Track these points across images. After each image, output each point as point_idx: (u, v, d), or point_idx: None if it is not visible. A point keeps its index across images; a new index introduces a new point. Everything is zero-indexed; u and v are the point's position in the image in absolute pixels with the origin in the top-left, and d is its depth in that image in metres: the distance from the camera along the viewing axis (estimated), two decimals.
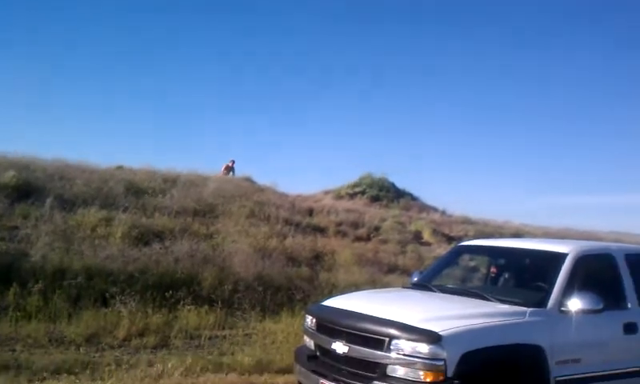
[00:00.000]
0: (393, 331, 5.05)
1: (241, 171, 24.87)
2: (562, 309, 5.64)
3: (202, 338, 9.85)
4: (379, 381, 5.03)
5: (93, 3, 56.18)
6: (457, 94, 69.95)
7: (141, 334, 9.64)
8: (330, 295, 8.06)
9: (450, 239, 21.31)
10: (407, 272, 14.58)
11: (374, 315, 5.40)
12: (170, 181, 18.43)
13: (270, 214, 17.82)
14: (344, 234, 19.07)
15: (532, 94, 70.16)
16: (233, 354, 9.06)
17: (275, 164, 55.45)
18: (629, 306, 6.24)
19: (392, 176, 29.04)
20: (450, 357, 4.81)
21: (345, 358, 5.41)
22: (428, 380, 4.82)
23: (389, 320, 5.23)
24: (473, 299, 6.04)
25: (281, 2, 62.92)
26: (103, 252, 12.02)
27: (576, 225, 28.88)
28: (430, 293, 6.58)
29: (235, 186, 20.44)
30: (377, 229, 20.58)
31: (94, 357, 8.57)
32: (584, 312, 5.59)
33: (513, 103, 69.03)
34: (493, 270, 7.49)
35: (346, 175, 42.15)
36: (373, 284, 13.43)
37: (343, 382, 5.30)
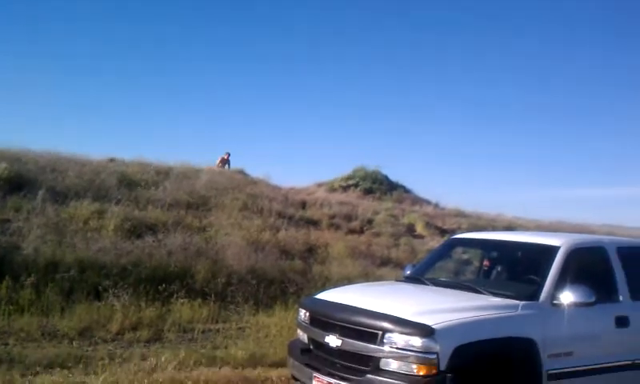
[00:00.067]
0: (386, 325, 5.06)
1: (234, 164, 24.91)
2: (555, 302, 5.67)
3: (196, 332, 9.84)
4: (372, 374, 5.04)
5: None
6: (450, 87, 70.10)
7: (134, 328, 9.61)
8: (324, 288, 8.05)
9: (442, 232, 21.36)
10: (400, 265, 14.64)
11: (368, 309, 5.41)
12: (163, 173, 18.39)
13: (263, 206, 17.81)
14: (337, 227, 19.08)
15: (524, 86, 70.37)
16: (226, 347, 9.06)
17: (268, 156, 55.48)
18: (620, 298, 6.27)
19: (385, 169, 29.12)
20: (443, 350, 4.83)
21: (338, 352, 5.42)
22: (421, 373, 4.83)
23: (382, 313, 5.24)
24: (465, 292, 6.06)
25: None
26: (96, 245, 11.98)
27: (569, 218, 29.06)
28: (422, 286, 6.60)
29: (228, 178, 20.41)
30: (370, 221, 20.60)
31: (87, 351, 8.54)
32: (576, 305, 5.61)
33: (506, 96, 69.21)
34: (485, 263, 7.51)
35: (339, 168, 42.15)
36: (366, 277, 13.46)
37: (336, 375, 5.31)
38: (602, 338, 6.01)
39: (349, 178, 27.77)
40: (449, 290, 6.25)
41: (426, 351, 4.83)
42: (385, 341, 5.02)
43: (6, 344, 8.48)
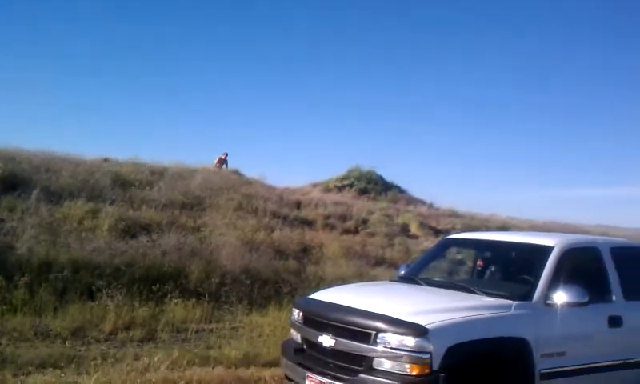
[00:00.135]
0: (379, 324, 5.06)
1: (231, 164, 24.93)
2: (548, 302, 5.68)
3: (189, 332, 9.82)
4: (366, 374, 5.04)
5: None
6: (445, 87, 70.23)
7: (127, 328, 9.59)
8: (318, 288, 8.04)
9: (437, 232, 21.41)
10: (394, 265, 14.64)
11: (361, 308, 5.41)
12: (157, 173, 18.36)
13: (257, 206, 17.80)
14: (332, 227, 19.09)
15: (522, 86, 70.59)
16: (220, 347, 9.04)
17: (263, 157, 55.53)
18: (614, 299, 6.29)
19: (380, 169, 29.18)
20: (436, 350, 4.83)
21: (331, 352, 5.42)
22: (414, 373, 4.83)
23: (375, 313, 5.24)
24: (459, 292, 6.06)
25: None
26: (90, 245, 11.95)
27: (562, 218, 29.14)
28: (416, 286, 6.60)
29: (223, 178, 20.40)
30: (364, 222, 20.63)
31: (80, 350, 8.52)
32: (569, 305, 5.62)
33: (502, 96, 69.39)
34: (479, 263, 7.52)
35: (334, 168, 42.21)
36: (360, 277, 13.46)
37: (330, 375, 5.31)
38: (594, 338, 6.02)
39: (344, 178, 27.82)
40: (442, 290, 6.26)
41: (419, 351, 4.83)
42: (378, 340, 5.02)
43: None
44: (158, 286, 10.96)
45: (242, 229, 15.33)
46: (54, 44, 57.93)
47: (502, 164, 69.66)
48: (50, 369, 7.51)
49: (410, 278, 6.91)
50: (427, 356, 4.82)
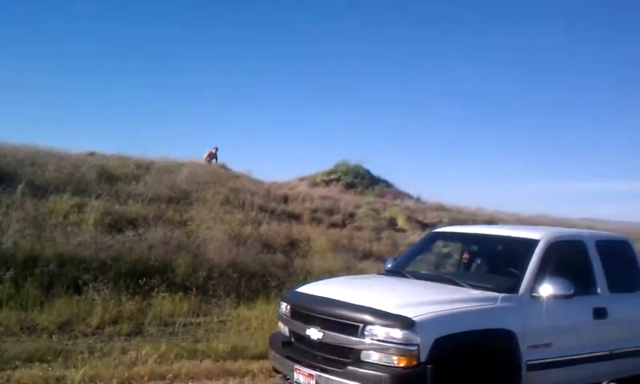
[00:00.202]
0: (367, 317, 5.09)
1: (221, 159, 24.89)
2: (534, 294, 5.73)
3: (177, 325, 9.81)
4: (353, 366, 5.06)
5: None
6: (432, 83, 70.41)
7: (114, 322, 9.55)
8: (305, 282, 8.05)
9: (424, 226, 21.47)
10: (382, 258, 14.65)
11: (349, 301, 5.43)
12: (144, 167, 18.27)
13: (244, 200, 17.76)
14: (319, 221, 19.10)
15: (506, 81, 70.86)
16: (208, 340, 9.03)
17: (250, 151, 55.52)
18: (599, 291, 6.37)
19: (367, 163, 29.22)
20: (423, 342, 4.86)
21: (319, 344, 5.43)
22: (401, 365, 4.86)
23: (363, 306, 5.26)
24: (446, 285, 6.11)
25: None
26: (76, 239, 11.87)
27: (549, 211, 29.30)
28: (403, 279, 6.63)
29: (209, 172, 20.35)
30: (352, 215, 20.67)
31: (67, 345, 8.47)
32: (555, 297, 5.68)
33: (487, 92, 69.72)
34: (465, 256, 7.56)
35: (321, 162, 42.25)
36: (347, 270, 13.48)
37: (318, 367, 5.33)
38: (580, 330, 6.10)
39: (331, 172, 27.83)
40: (429, 283, 6.29)
41: (406, 343, 4.86)
42: (366, 333, 5.04)
43: None
44: (144, 280, 10.93)
45: (229, 223, 15.31)
46: (50, 44, 57.52)
47: (489, 158, 70.10)
48: (37, 363, 7.47)
49: (397, 271, 6.94)
50: (414, 348, 4.85)
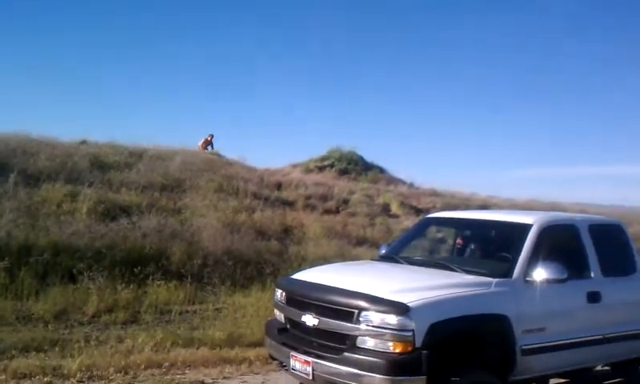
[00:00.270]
0: (362, 303, 5.10)
1: (217, 146, 24.91)
2: (527, 279, 5.74)
3: (173, 313, 9.84)
4: (349, 352, 5.07)
5: None
6: (425, 67, 70.31)
7: (110, 310, 9.58)
8: (300, 268, 8.07)
9: (417, 211, 21.49)
10: (376, 244, 14.68)
11: (343, 288, 5.44)
12: (136, 155, 18.23)
13: (238, 188, 17.77)
14: (313, 208, 19.11)
15: (497, 64, 70.81)
16: (203, 328, 9.08)
17: (243, 138, 55.41)
18: (592, 275, 6.39)
19: (360, 149, 29.18)
20: (418, 327, 4.87)
21: (315, 331, 5.45)
22: (397, 351, 4.88)
23: (358, 292, 5.27)
24: (440, 270, 6.11)
25: None
26: (69, 228, 11.87)
27: (542, 196, 29.35)
28: (397, 265, 6.64)
29: (203, 160, 20.31)
30: (345, 202, 20.68)
31: (63, 334, 8.50)
32: (549, 282, 5.69)
33: (479, 76, 69.69)
34: (459, 241, 7.57)
35: (314, 149, 42.20)
36: (342, 257, 13.50)
37: (313, 354, 5.34)
38: (574, 314, 6.12)
39: (324, 158, 27.79)
40: (423, 269, 6.31)
41: (401, 329, 4.87)
42: (361, 319, 5.05)
43: None
44: (139, 268, 10.95)
45: (222, 210, 15.32)
46: (18, 19, 57.09)
47: (483, 143, 70.13)
48: (34, 352, 7.51)
49: (391, 257, 6.94)
50: (410, 334, 4.86)
